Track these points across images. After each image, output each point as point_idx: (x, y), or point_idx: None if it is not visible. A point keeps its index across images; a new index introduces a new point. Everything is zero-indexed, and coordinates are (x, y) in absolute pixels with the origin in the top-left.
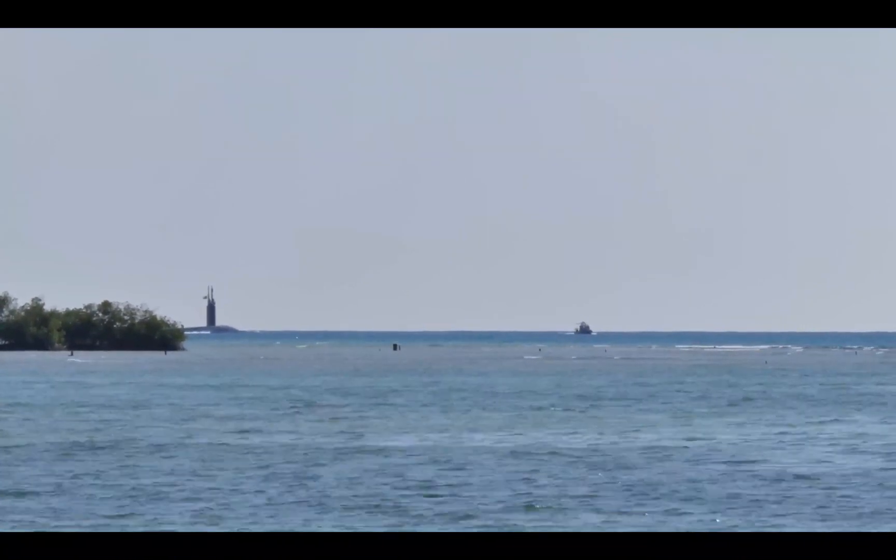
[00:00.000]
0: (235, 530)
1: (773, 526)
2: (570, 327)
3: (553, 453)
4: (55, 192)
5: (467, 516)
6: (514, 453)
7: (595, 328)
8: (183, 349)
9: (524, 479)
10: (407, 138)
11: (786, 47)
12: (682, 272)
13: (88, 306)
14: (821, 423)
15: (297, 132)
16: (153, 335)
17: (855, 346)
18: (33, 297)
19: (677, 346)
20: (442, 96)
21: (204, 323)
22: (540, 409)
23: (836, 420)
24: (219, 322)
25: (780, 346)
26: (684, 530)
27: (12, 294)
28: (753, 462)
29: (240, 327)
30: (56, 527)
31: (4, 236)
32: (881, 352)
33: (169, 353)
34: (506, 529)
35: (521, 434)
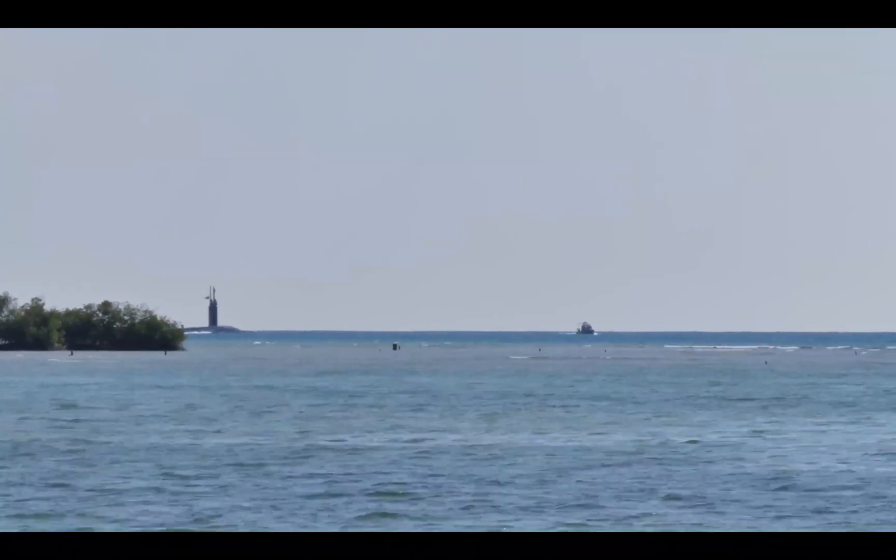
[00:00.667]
0: (235, 530)
1: (737, 527)
2: (573, 327)
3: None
4: (55, 192)
5: (389, 515)
6: (447, 452)
7: (598, 328)
8: (183, 349)
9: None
10: (407, 138)
11: (786, 47)
12: (685, 272)
13: (88, 306)
14: (781, 422)
15: (297, 132)
16: (153, 335)
17: (855, 347)
18: (33, 297)
19: (667, 346)
20: (441, 96)
21: (206, 323)
22: (501, 408)
23: (793, 420)
24: (221, 322)
25: (770, 347)
26: (684, 530)
27: (12, 294)
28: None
29: (241, 327)
30: (53, 527)
31: (4, 236)
32: (865, 352)
33: (169, 353)
34: (506, 529)
35: (458, 433)
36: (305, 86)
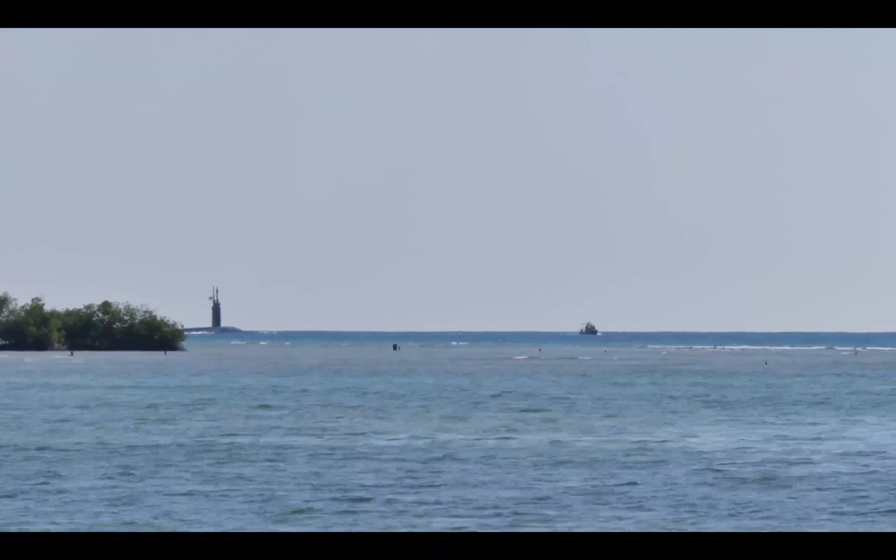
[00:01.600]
0: (235, 530)
1: (738, 527)
2: (577, 328)
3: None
4: (55, 192)
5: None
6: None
7: (603, 329)
8: (183, 349)
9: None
10: (409, 138)
11: (786, 47)
12: (689, 272)
13: (88, 306)
14: (714, 423)
15: (297, 132)
16: (153, 336)
17: (854, 347)
18: (33, 297)
19: (650, 346)
20: (442, 96)
21: (210, 324)
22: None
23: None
24: (224, 323)
25: (757, 347)
26: (684, 530)
27: (12, 294)
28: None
29: (244, 328)
30: (56, 527)
31: (4, 236)
32: (846, 351)
33: (168, 353)
34: (506, 529)
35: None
36: (305, 86)
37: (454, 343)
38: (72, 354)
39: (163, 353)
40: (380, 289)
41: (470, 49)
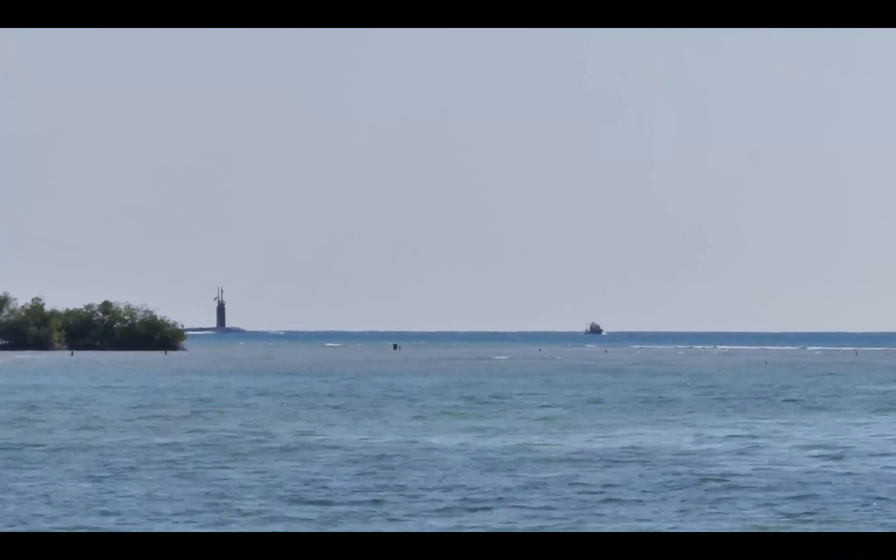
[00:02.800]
0: (235, 530)
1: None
2: (583, 328)
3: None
4: (56, 192)
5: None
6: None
7: (609, 328)
8: (183, 349)
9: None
10: (409, 138)
11: (786, 47)
12: (689, 272)
13: (88, 306)
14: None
15: (297, 132)
16: (153, 335)
17: (855, 347)
18: (33, 297)
19: (633, 346)
20: (442, 96)
21: (214, 324)
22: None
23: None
24: (229, 323)
25: (733, 347)
26: (684, 530)
27: (12, 294)
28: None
29: (247, 328)
30: (56, 527)
31: (4, 236)
32: (818, 351)
33: (169, 353)
34: (507, 529)
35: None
36: (305, 86)
37: (436, 343)
38: (72, 354)
39: (163, 353)
40: (380, 289)
41: (470, 49)
